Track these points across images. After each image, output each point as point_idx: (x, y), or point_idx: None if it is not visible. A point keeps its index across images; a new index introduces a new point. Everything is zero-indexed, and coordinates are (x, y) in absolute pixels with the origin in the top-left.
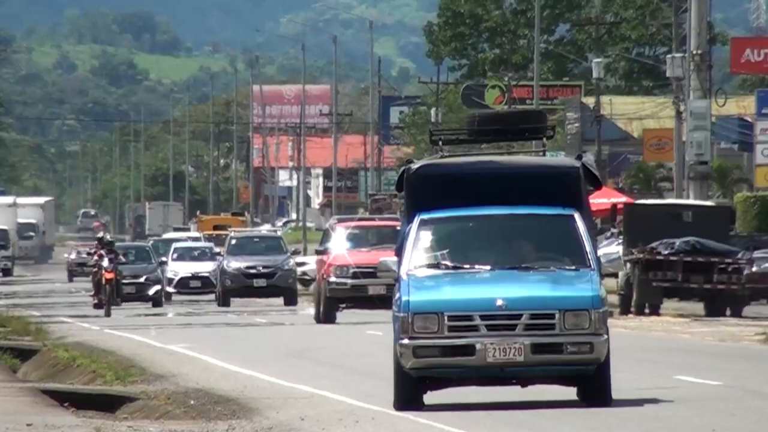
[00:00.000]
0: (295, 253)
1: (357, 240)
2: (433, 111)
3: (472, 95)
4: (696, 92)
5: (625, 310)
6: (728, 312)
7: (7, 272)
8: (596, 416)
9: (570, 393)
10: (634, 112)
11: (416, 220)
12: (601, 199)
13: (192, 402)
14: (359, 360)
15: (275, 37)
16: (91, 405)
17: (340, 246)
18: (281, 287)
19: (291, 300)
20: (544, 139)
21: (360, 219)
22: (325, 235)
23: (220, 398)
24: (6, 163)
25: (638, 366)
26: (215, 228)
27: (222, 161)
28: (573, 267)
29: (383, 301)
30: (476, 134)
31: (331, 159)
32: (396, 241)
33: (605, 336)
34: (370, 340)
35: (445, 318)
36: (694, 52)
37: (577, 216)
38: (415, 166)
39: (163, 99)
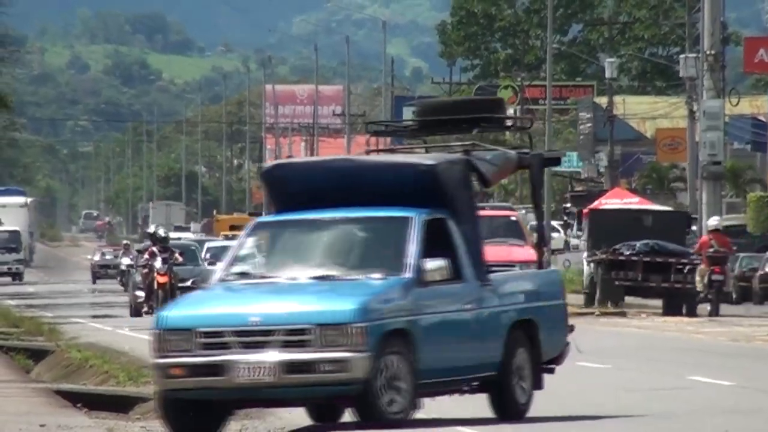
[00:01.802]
0: None
1: None
2: None
3: (485, 95)
4: (709, 92)
5: (588, 306)
6: (684, 309)
7: (18, 276)
8: None
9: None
10: (647, 112)
11: (251, 224)
12: (614, 200)
13: None
14: None
15: (288, 38)
16: (104, 406)
17: None
18: None
19: None
20: (475, 131)
21: None
22: None
23: None
24: (19, 164)
25: (652, 366)
26: (232, 228)
27: (235, 161)
28: (382, 275)
29: None
30: (422, 125)
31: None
32: (513, 234)
33: (368, 353)
34: None
35: (197, 335)
36: (708, 52)
37: (417, 218)
38: (268, 165)
39: (176, 99)
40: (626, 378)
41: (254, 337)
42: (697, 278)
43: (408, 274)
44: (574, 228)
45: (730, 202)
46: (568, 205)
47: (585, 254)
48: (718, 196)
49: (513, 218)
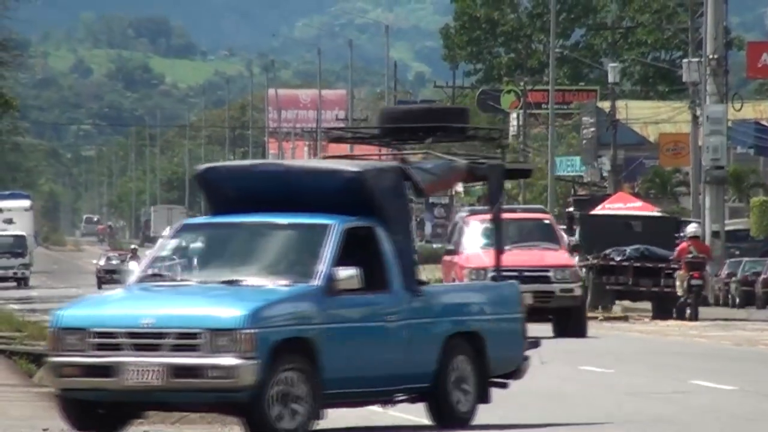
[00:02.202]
0: None
1: (491, 237)
2: None
3: (488, 100)
4: (712, 97)
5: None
6: (674, 313)
7: (23, 281)
8: None
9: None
10: (650, 117)
11: (177, 225)
12: (617, 204)
13: None
14: None
15: (291, 42)
16: None
17: (473, 244)
18: None
19: None
20: (429, 140)
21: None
22: (455, 231)
23: None
24: (22, 168)
25: (655, 370)
26: None
27: None
28: (291, 282)
29: (529, 313)
30: (383, 132)
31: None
32: (546, 237)
33: (256, 360)
34: None
35: (91, 335)
36: (711, 56)
37: (336, 225)
38: (201, 168)
39: (179, 103)
40: (629, 382)
41: (146, 339)
42: (677, 283)
43: (317, 282)
44: (577, 233)
45: (733, 207)
46: (571, 209)
47: (576, 259)
48: (721, 201)
49: (546, 221)
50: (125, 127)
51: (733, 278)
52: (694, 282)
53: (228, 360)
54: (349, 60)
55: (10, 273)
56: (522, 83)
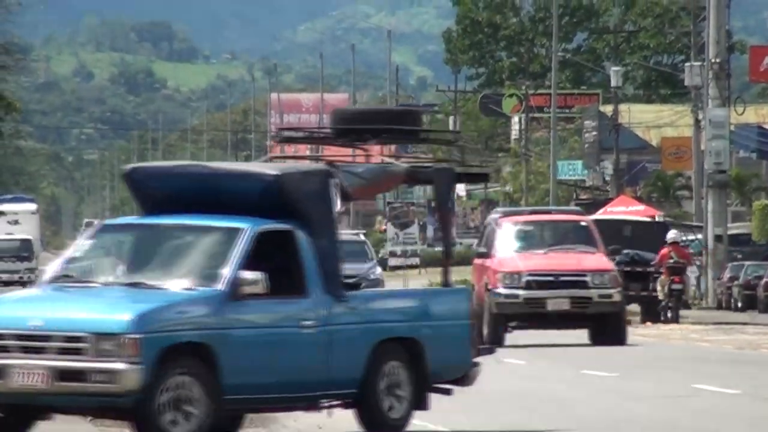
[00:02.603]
0: None
1: (529, 239)
2: (450, 119)
3: (490, 104)
4: (714, 101)
5: None
6: (662, 316)
7: (30, 286)
8: None
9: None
10: (653, 121)
11: (97, 226)
12: (619, 208)
13: None
14: None
15: (293, 46)
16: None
17: (507, 247)
18: None
19: None
20: (372, 142)
21: (532, 212)
22: (486, 233)
23: None
24: (24, 172)
25: (657, 374)
26: None
27: None
28: (193, 285)
29: (566, 320)
30: (335, 133)
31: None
32: (583, 240)
33: (142, 365)
34: None
35: None
36: (713, 60)
37: (249, 229)
38: (127, 167)
39: (181, 107)
40: (632, 386)
41: (34, 342)
42: (659, 288)
43: (220, 286)
44: None
45: (736, 211)
46: None
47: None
48: (723, 205)
49: (583, 223)
50: (127, 131)
51: (735, 282)
52: (674, 286)
53: (111, 364)
54: (351, 64)
55: (16, 277)
56: (524, 87)
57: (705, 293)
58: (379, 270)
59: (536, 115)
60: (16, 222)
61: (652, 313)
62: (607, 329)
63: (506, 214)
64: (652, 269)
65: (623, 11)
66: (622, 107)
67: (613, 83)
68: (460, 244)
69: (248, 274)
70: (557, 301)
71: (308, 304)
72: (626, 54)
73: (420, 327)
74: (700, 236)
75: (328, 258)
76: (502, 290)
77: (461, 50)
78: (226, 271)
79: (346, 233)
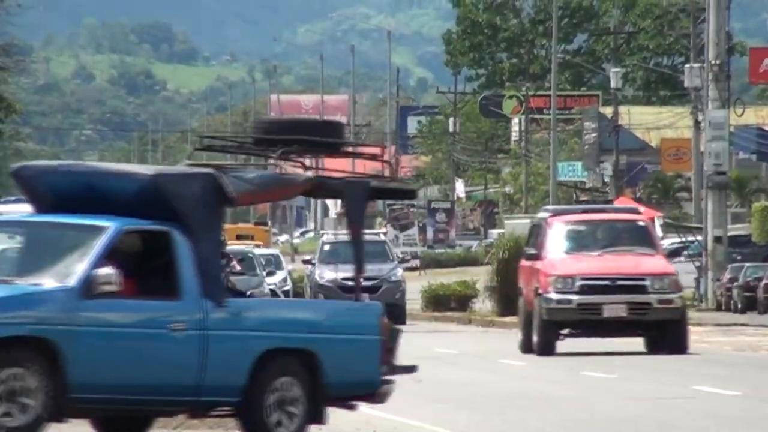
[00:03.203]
0: (270, 273)
1: (582, 240)
2: (450, 121)
3: (490, 105)
4: (714, 102)
5: None
6: None
7: None
8: None
9: None
10: (652, 122)
11: None
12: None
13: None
14: None
15: (293, 47)
16: None
17: (558, 248)
18: (387, 303)
19: (399, 318)
20: (279, 153)
21: (585, 210)
22: (535, 233)
23: None
24: None
25: (657, 376)
26: (238, 237)
27: None
28: (45, 281)
29: (622, 327)
30: (255, 141)
31: (348, 169)
32: (641, 242)
33: None
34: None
35: None
36: (713, 62)
37: (112, 227)
38: (15, 166)
39: (181, 109)
40: (631, 387)
41: None
42: None
43: (71, 283)
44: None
45: (735, 212)
46: None
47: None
48: (723, 206)
49: (641, 223)
50: (127, 132)
51: (735, 283)
52: None
53: None
54: (351, 66)
55: None
56: (524, 88)
57: (704, 295)
58: (400, 272)
59: (536, 116)
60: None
61: None
62: (666, 337)
63: (556, 213)
64: None
65: (623, 13)
66: (622, 109)
67: (612, 85)
68: (460, 245)
69: (102, 272)
70: (613, 307)
71: (181, 306)
72: (626, 55)
73: (317, 339)
74: (699, 238)
75: (209, 262)
76: (553, 295)
77: (461, 52)
78: (80, 268)
79: (366, 233)
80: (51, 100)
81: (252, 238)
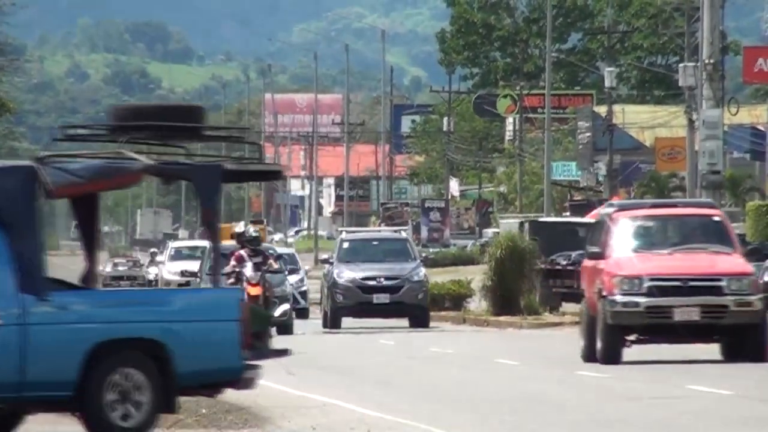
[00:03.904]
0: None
1: (651, 237)
2: (445, 120)
3: (484, 104)
4: (708, 101)
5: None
6: None
7: None
8: None
9: None
10: (647, 121)
11: None
12: None
13: (203, 411)
14: (372, 370)
15: (287, 46)
16: None
17: (624, 246)
18: (409, 304)
19: (421, 321)
20: (123, 140)
21: (654, 205)
22: (599, 230)
23: (231, 407)
24: None
25: (651, 375)
26: (233, 237)
27: None
28: None
29: (695, 332)
30: (113, 129)
31: (342, 168)
32: (716, 239)
33: None
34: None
35: None
36: (707, 61)
37: None
38: None
39: None
40: (626, 387)
41: None
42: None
43: None
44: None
45: (729, 211)
46: (568, 214)
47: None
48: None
49: (716, 218)
50: None
51: None
52: None
53: None
54: (345, 65)
55: None
56: (518, 88)
57: None
58: (423, 271)
59: (530, 115)
60: None
61: None
62: (745, 343)
63: (622, 208)
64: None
65: (617, 12)
66: (616, 108)
67: (607, 84)
68: (454, 245)
69: None
70: (685, 310)
71: None
72: (620, 55)
73: (164, 329)
74: None
75: (27, 255)
76: (619, 297)
77: (455, 51)
78: None
79: (386, 230)
80: (45, 99)
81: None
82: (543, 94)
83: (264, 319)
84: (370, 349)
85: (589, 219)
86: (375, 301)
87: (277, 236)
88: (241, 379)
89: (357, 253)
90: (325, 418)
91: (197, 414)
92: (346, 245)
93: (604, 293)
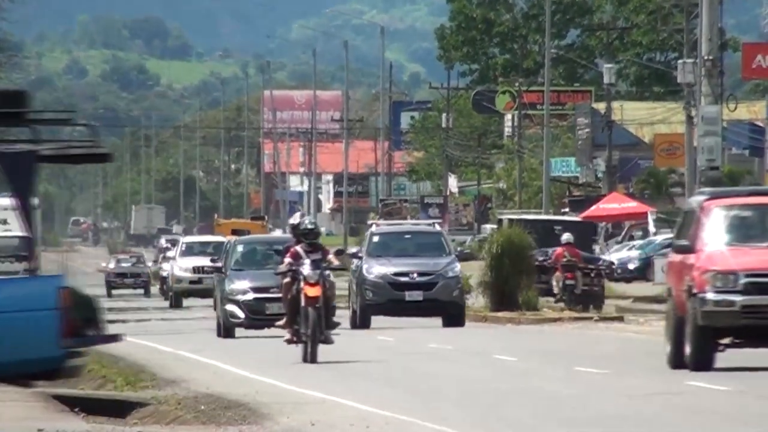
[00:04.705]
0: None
1: (748, 229)
2: (443, 116)
3: (483, 100)
4: (707, 98)
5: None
6: (591, 307)
7: None
8: None
9: None
10: (645, 118)
11: None
12: (612, 204)
13: (202, 407)
14: (372, 367)
15: (286, 43)
16: (102, 410)
17: (717, 239)
18: (443, 302)
19: (456, 319)
20: None
21: (751, 193)
22: (688, 221)
23: (230, 403)
24: None
25: (649, 371)
26: (233, 232)
27: (233, 166)
28: None
29: (756, 334)
30: None
31: (341, 164)
32: None
33: None
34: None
35: None
36: (706, 57)
37: None
38: None
39: (174, 104)
40: (623, 383)
41: None
42: (554, 283)
43: None
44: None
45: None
46: (567, 210)
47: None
48: None
49: None
50: (120, 128)
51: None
52: (568, 282)
53: None
54: (344, 61)
55: None
56: (517, 84)
57: None
58: (458, 266)
59: (529, 111)
60: (4, 221)
61: (584, 306)
62: None
63: (715, 196)
64: (581, 266)
65: (616, 8)
66: (615, 104)
67: (605, 80)
68: (453, 240)
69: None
70: None
71: None
72: (619, 51)
73: None
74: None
75: None
76: (711, 296)
77: (454, 47)
78: None
79: (419, 223)
80: (43, 95)
81: (248, 233)
82: (542, 91)
83: (88, 304)
84: (369, 346)
85: (568, 218)
86: (407, 298)
87: (277, 232)
88: (61, 368)
89: (388, 247)
90: (324, 414)
91: (196, 410)
92: (376, 239)
93: (695, 291)
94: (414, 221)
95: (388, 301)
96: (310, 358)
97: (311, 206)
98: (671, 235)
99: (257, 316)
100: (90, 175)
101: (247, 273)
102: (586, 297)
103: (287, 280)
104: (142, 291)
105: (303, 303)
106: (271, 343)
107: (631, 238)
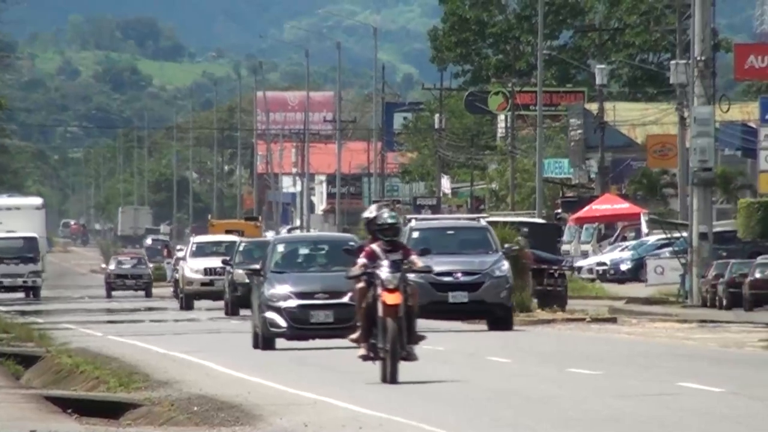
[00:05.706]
0: None
1: None
2: (436, 117)
3: (476, 101)
4: (699, 98)
5: None
6: (555, 306)
7: (34, 291)
8: None
9: None
10: (638, 119)
11: None
12: (605, 205)
13: (195, 408)
14: (364, 368)
15: (279, 44)
16: (95, 411)
17: None
18: (490, 303)
19: (503, 322)
20: None
21: None
22: None
23: (223, 404)
24: (9, 170)
25: (642, 372)
26: (227, 233)
27: (226, 167)
28: None
29: None
30: None
31: (334, 165)
32: None
33: None
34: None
35: None
36: (698, 58)
37: None
38: None
39: (167, 105)
40: (616, 384)
41: None
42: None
43: None
44: (565, 234)
45: (721, 208)
46: (559, 211)
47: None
48: (708, 202)
49: None
50: (113, 129)
51: (721, 280)
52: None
53: None
54: (337, 62)
55: (19, 281)
56: (510, 85)
57: (689, 291)
58: (506, 265)
59: (522, 112)
60: None
61: (547, 305)
62: None
63: None
64: (546, 266)
65: (608, 9)
66: (608, 105)
67: (598, 81)
68: None
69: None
70: None
71: None
72: (612, 52)
73: None
74: (685, 234)
75: None
76: None
77: (447, 48)
78: None
79: (463, 218)
80: (36, 96)
81: (242, 234)
82: (534, 91)
83: None
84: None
85: (533, 219)
86: (451, 299)
87: (270, 234)
88: None
89: (429, 244)
90: (317, 415)
91: (189, 411)
92: (416, 234)
93: None
94: (455, 215)
95: (429, 303)
96: (390, 377)
97: (304, 207)
98: (664, 236)
99: (301, 326)
100: (82, 176)
101: (289, 276)
102: (548, 297)
103: (361, 285)
104: (143, 293)
105: (381, 312)
106: (326, 357)
107: (624, 239)
